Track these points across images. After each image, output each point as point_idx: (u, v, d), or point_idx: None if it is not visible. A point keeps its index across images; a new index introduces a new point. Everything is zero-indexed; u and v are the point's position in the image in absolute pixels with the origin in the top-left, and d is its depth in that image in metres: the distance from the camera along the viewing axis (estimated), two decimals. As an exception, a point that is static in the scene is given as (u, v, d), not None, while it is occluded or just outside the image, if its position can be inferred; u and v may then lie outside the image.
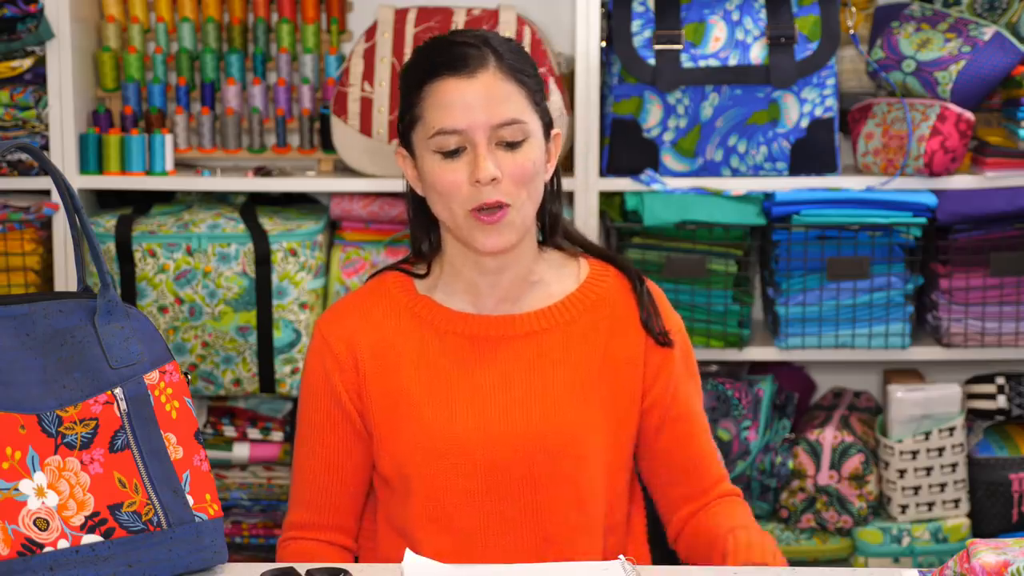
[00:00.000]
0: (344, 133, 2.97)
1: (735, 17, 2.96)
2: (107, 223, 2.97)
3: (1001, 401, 3.14)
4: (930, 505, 3.09)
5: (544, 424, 2.04)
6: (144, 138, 3.01)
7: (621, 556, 1.83)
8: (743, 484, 3.05)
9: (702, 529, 2.10)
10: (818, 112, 2.98)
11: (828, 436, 3.08)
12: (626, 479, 2.13)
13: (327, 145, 3.07)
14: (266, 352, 2.96)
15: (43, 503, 1.65)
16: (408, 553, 1.82)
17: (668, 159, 2.99)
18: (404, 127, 2.07)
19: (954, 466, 3.09)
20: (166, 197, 3.15)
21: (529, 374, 2.06)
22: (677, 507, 2.14)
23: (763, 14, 2.96)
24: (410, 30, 2.94)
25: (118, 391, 1.72)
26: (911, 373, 3.24)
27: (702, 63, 2.94)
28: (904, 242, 3.00)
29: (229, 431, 3.11)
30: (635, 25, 2.96)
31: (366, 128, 2.96)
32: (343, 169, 3.08)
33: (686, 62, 2.94)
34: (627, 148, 2.99)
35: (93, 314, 1.73)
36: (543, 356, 2.07)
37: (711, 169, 3.00)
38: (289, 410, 3.16)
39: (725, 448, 3.02)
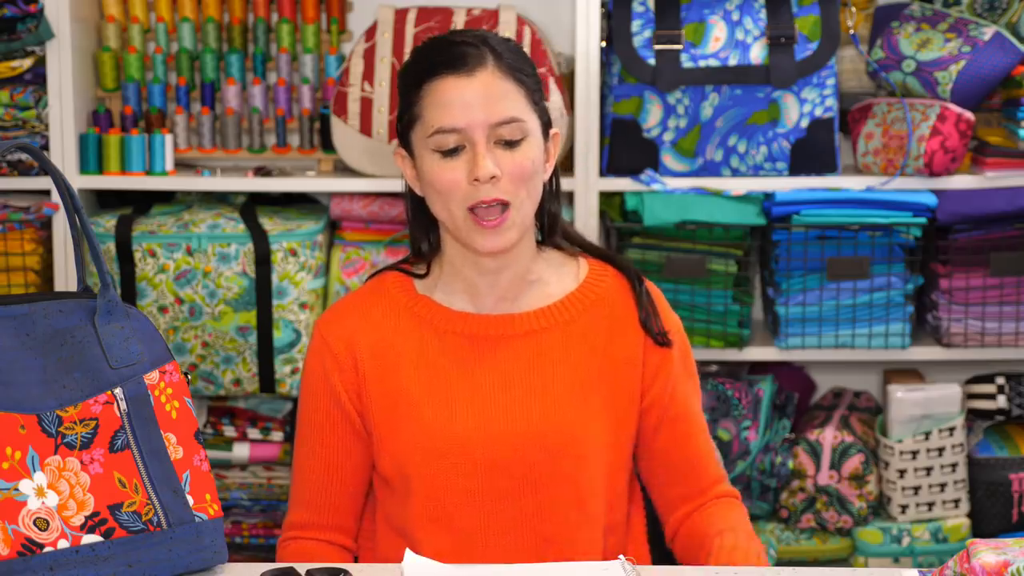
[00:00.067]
0: (344, 133, 2.97)
1: (735, 17, 2.96)
2: (107, 223, 2.97)
3: (1001, 401, 3.14)
4: (930, 505, 3.09)
5: (544, 423, 2.04)
6: (144, 138, 3.01)
7: (621, 556, 1.83)
8: (743, 484, 3.05)
9: (695, 530, 2.10)
10: (818, 112, 2.98)
11: (828, 436, 3.08)
12: (625, 479, 2.13)
13: (327, 145, 3.07)
14: (266, 352, 2.96)
15: (43, 503, 1.65)
16: (408, 553, 1.82)
17: (668, 159, 2.99)
18: (403, 127, 2.07)
19: (954, 466, 3.09)
20: (166, 197, 3.15)
21: (529, 373, 2.06)
22: (675, 507, 2.14)
23: (763, 14, 2.96)
24: (410, 30, 2.94)
25: (118, 391, 1.72)
26: (911, 373, 3.24)
27: (702, 63, 2.94)
28: (904, 242, 3.00)
29: (229, 431, 3.11)
30: (635, 25, 2.96)
31: (366, 128, 2.96)
32: (343, 169, 3.08)
33: (686, 62, 2.94)
34: (627, 148, 2.99)
35: (93, 314, 1.73)
36: (542, 355, 2.07)
37: (711, 169, 3.00)
38: (289, 410, 3.16)
39: (725, 448, 3.02)
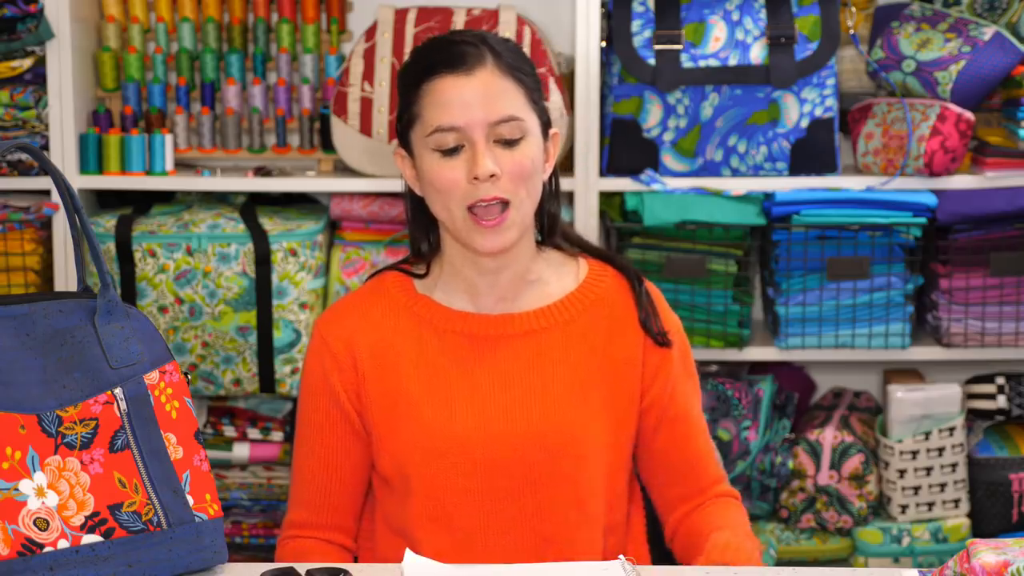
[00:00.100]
0: (344, 133, 2.97)
1: (735, 17, 2.96)
2: (107, 223, 2.97)
3: (1001, 401, 3.14)
4: (930, 505, 3.09)
5: (544, 423, 2.04)
6: (144, 138, 3.01)
7: (621, 556, 1.83)
8: (743, 484, 3.05)
9: (693, 528, 2.10)
10: (818, 112, 2.98)
11: (828, 436, 3.08)
12: (625, 479, 2.13)
13: (327, 145, 3.07)
14: (266, 352, 2.96)
15: (43, 503, 1.65)
16: (408, 553, 1.82)
17: (668, 159, 2.99)
18: (403, 127, 2.07)
19: (954, 466, 3.08)
20: (166, 197, 3.15)
21: (528, 373, 2.06)
22: (674, 507, 2.14)
23: (763, 14, 2.96)
24: (410, 30, 2.94)
25: (118, 391, 1.72)
26: (911, 373, 3.24)
27: (702, 63, 2.94)
28: (904, 242, 3.00)
29: (229, 431, 3.11)
30: (635, 25, 2.96)
31: (366, 128, 2.96)
32: (343, 169, 3.08)
33: (686, 62, 2.94)
34: (627, 148, 2.99)
35: (93, 314, 1.73)
36: (542, 355, 2.07)
37: (711, 169, 3.00)
38: (289, 410, 3.16)
39: (725, 448, 3.02)
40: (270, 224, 2.98)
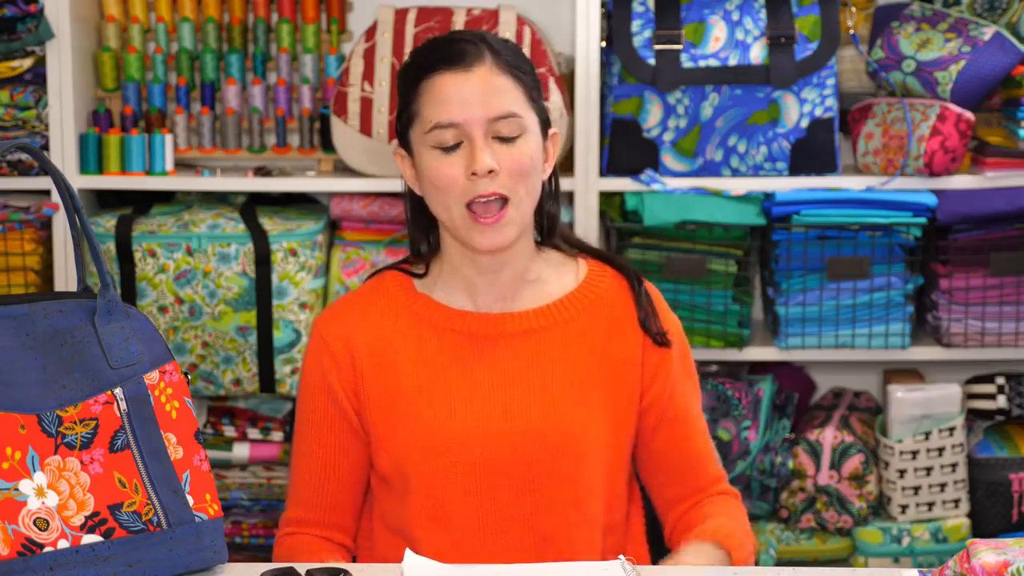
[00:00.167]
0: (344, 133, 2.97)
1: (735, 17, 2.96)
2: (107, 223, 2.97)
3: (1001, 401, 3.14)
4: (930, 505, 3.09)
5: (543, 422, 2.04)
6: (144, 138, 3.01)
7: (621, 556, 1.83)
8: (743, 484, 3.05)
9: (690, 522, 2.10)
10: (818, 112, 2.98)
11: (828, 436, 3.08)
12: (624, 479, 2.13)
13: (327, 145, 3.07)
14: (266, 352, 2.96)
15: (43, 503, 1.65)
16: (408, 553, 1.82)
17: (668, 159, 2.99)
18: (402, 126, 2.08)
19: (954, 466, 3.08)
20: (166, 197, 3.15)
21: (528, 372, 2.06)
22: (673, 507, 2.14)
23: (763, 14, 2.96)
24: (410, 30, 2.94)
25: (118, 391, 1.72)
26: (911, 373, 3.24)
27: (702, 63, 2.94)
28: (904, 242, 3.00)
29: (229, 431, 3.11)
30: (635, 25, 2.96)
31: (366, 128, 2.96)
32: (343, 169, 3.08)
33: (686, 62, 2.94)
34: (627, 148, 2.99)
35: (93, 314, 1.73)
36: (541, 354, 2.07)
37: (711, 169, 3.00)
38: (289, 410, 3.16)
39: (725, 448, 3.02)
40: (270, 224, 2.98)
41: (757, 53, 2.95)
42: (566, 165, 3.01)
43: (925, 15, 3.03)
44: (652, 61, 2.94)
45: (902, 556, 3.10)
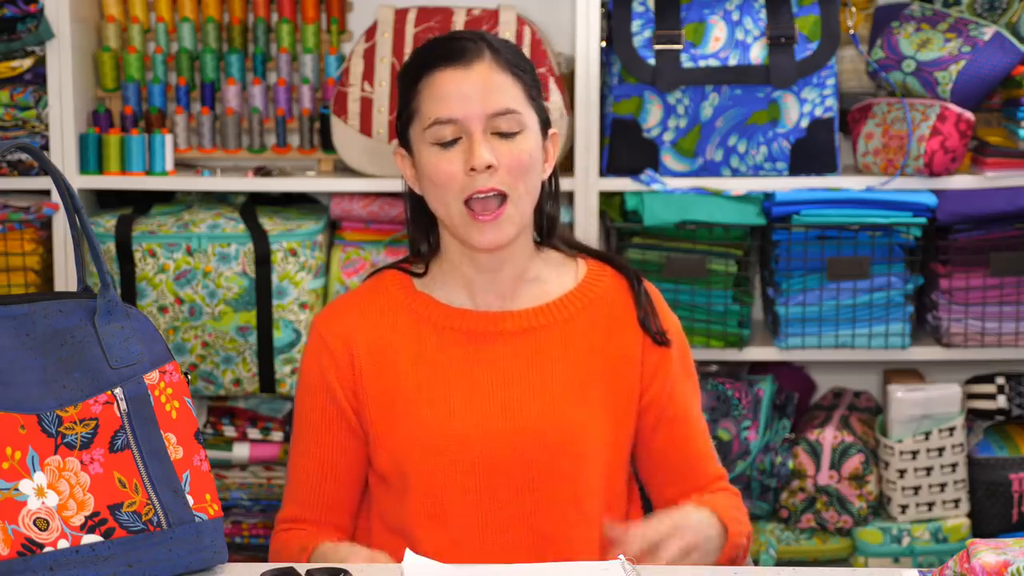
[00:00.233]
0: (344, 133, 2.97)
1: (735, 17, 2.96)
2: (107, 223, 2.97)
3: (1001, 401, 3.14)
4: (930, 505, 3.09)
5: (543, 421, 2.04)
6: (144, 138, 3.01)
7: (621, 556, 1.82)
8: (743, 484, 3.05)
9: None
10: (818, 112, 2.98)
11: (828, 436, 3.08)
12: (624, 478, 2.13)
13: (327, 145, 3.07)
14: (266, 352, 2.96)
15: (43, 503, 1.65)
16: (408, 553, 1.82)
17: (668, 159, 2.99)
18: (402, 124, 2.08)
19: (954, 466, 3.08)
20: (166, 197, 3.15)
21: (527, 371, 2.06)
22: (672, 506, 2.14)
23: (763, 14, 2.96)
24: (410, 30, 2.94)
25: (118, 391, 1.72)
26: (911, 373, 3.24)
27: (702, 63, 2.94)
28: (904, 242, 3.00)
29: (229, 431, 3.11)
30: (635, 25, 2.96)
31: (366, 128, 2.96)
32: (343, 169, 3.08)
33: (686, 62, 2.94)
34: (627, 148, 2.99)
35: (93, 314, 1.73)
36: (541, 353, 2.07)
37: (711, 169, 3.00)
38: (289, 410, 3.16)
39: (725, 448, 3.02)
40: (270, 224, 2.98)
41: (757, 53, 2.95)
42: (566, 165, 3.01)
43: (925, 15, 3.03)
44: (652, 61, 2.94)
45: (902, 556, 3.10)
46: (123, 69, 3.11)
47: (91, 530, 1.67)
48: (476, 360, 2.07)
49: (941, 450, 3.07)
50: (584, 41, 2.96)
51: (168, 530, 1.71)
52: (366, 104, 2.95)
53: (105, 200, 3.15)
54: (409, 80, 2.06)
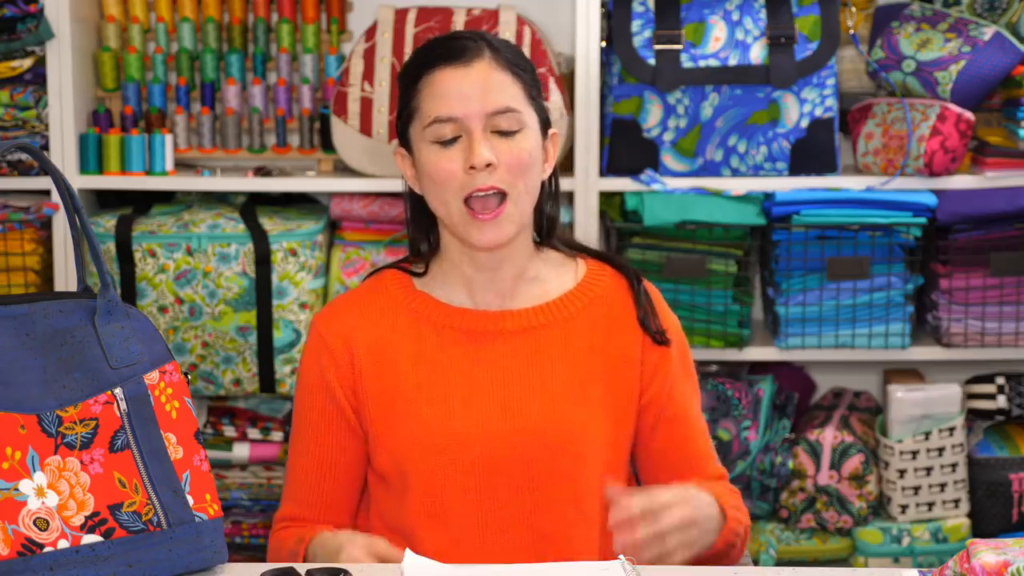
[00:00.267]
0: (344, 133, 2.97)
1: (735, 17, 2.96)
2: (107, 223, 2.97)
3: (1001, 401, 3.14)
4: (930, 505, 3.09)
5: (542, 420, 2.04)
6: (144, 138, 3.01)
7: (621, 556, 1.82)
8: (743, 484, 3.05)
9: None
10: (818, 112, 2.98)
11: (828, 436, 3.08)
12: (624, 478, 2.13)
13: (327, 145, 3.07)
14: (266, 352, 2.96)
15: (43, 503, 1.65)
16: (408, 553, 1.81)
17: (668, 159, 2.99)
18: (402, 124, 2.08)
19: (954, 466, 3.08)
20: (166, 197, 3.15)
21: (527, 370, 2.06)
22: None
23: (763, 14, 2.96)
24: (410, 30, 2.94)
25: (118, 391, 1.72)
26: (911, 373, 3.24)
27: (702, 63, 2.94)
28: (904, 242, 3.00)
29: (229, 431, 3.11)
30: (635, 25, 2.96)
31: (366, 128, 2.96)
32: (343, 169, 3.08)
33: (686, 62, 2.94)
34: (627, 148, 2.99)
35: (93, 314, 1.73)
36: (541, 352, 2.07)
37: (711, 169, 3.00)
38: (289, 410, 3.16)
39: (725, 448, 3.02)
40: (270, 224, 2.98)
41: (757, 53, 2.95)
42: (566, 165, 3.01)
43: (925, 15, 3.03)
44: (652, 61, 2.94)
45: (902, 556, 3.10)
46: (123, 69, 3.11)
47: (91, 530, 1.67)
48: (476, 359, 2.07)
49: (941, 450, 3.07)
50: (584, 41, 2.96)
51: (168, 530, 1.71)
52: (366, 104, 2.95)
53: (105, 200, 3.15)
54: (409, 79, 2.06)
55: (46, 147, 2.98)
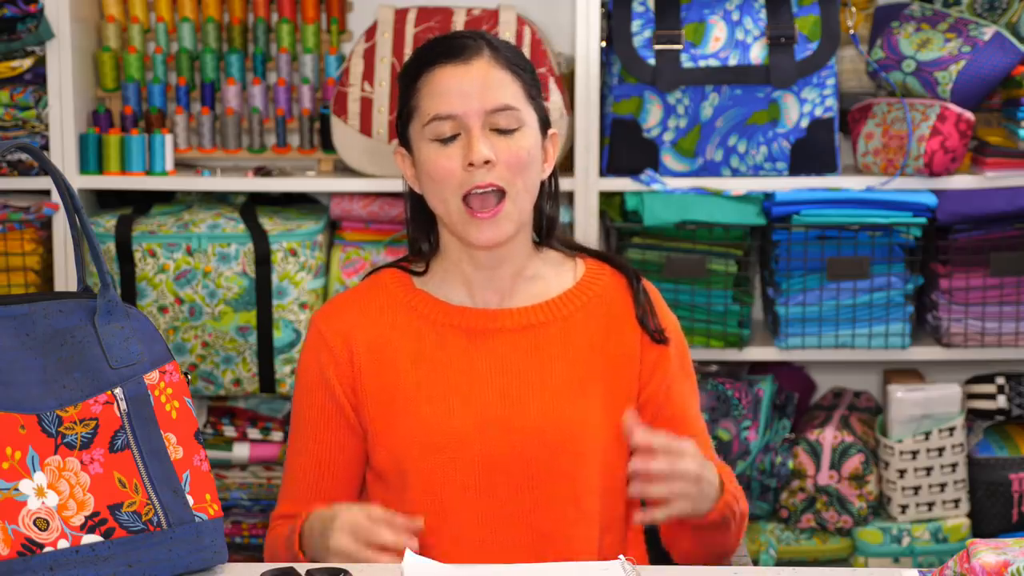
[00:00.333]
0: (344, 133, 2.97)
1: (735, 17, 2.96)
2: (107, 223, 2.97)
3: (1001, 401, 3.14)
4: (930, 505, 3.09)
5: (542, 419, 2.04)
6: (144, 138, 3.01)
7: (621, 556, 1.82)
8: (743, 484, 3.04)
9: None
10: (818, 112, 2.98)
11: (828, 436, 3.08)
12: (623, 477, 2.12)
13: (327, 145, 3.07)
14: (266, 352, 2.96)
15: (43, 503, 1.65)
16: (408, 553, 1.81)
17: (668, 159, 2.99)
18: (402, 123, 2.08)
19: (954, 466, 3.09)
20: (166, 197, 3.15)
21: (526, 368, 2.06)
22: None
23: (763, 14, 2.96)
24: (410, 30, 2.94)
25: (118, 391, 1.72)
26: (911, 373, 3.24)
27: (702, 63, 2.94)
28: (904, 242, 3.00)
29: (229, 431, 3.11)
30: (635, 25, 2.96)
31: (366, 128, 2.96)
32: (343, 169, 3.08)
33: (686, 62, 2.94)
34: (627, 148, 2.99)
35: (93, 314, 1.73)
36: (540, 350, 2.07)
37: (711, 169, 3.00)
38: (289, 410, 3.16)
39: (725, 448, 3.02)
40: (270, 224, 2.98)
41: (757, 53, 2.95)
42: (566, 165, 3.01)
43: (925, 15, 3.03)
44: (652, 61, 2.94)
45: (902, 556, 3.10)
46: (123, 69, 3.11)
47: (91, 530, 1.67)
48: (475, 357, 2.07)
49: (941, 450, 3.07)
50: (584, 41, 2.96)
51: (168, 530, 1.71)
52: (366, 104, 2.95)
53: (105, 200, 3.15)
54: (409, 78, 2.07)
55: (46, 147, 2.98)
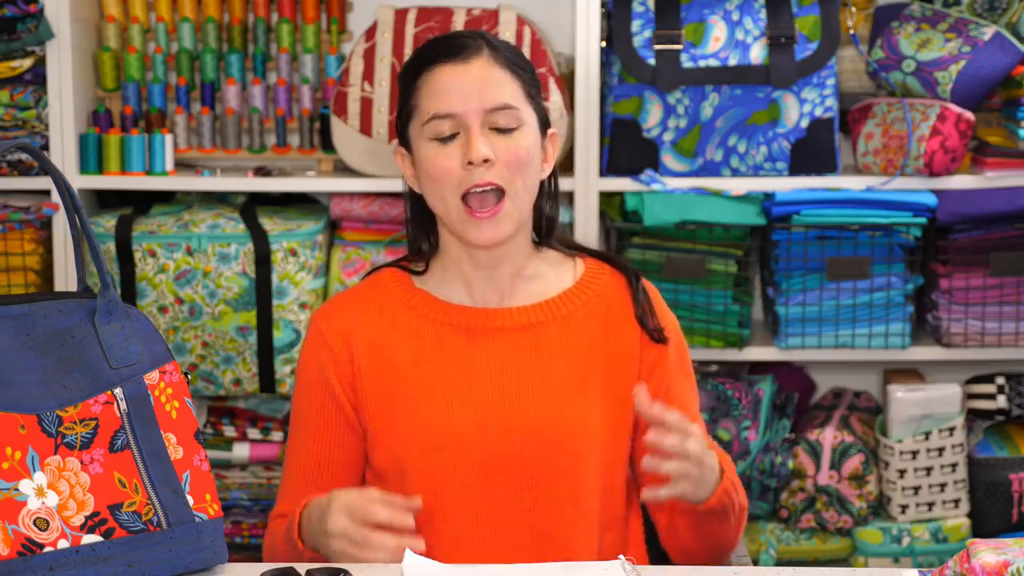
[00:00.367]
0: (344, 133, 2.97)
1: (735, 17, 2.96)
2: (107, 223, 2.97)
3: (1001, 401, 3.14)
4: (930, 505, 3.09)
5: (542, 418, 2.04)
6: (144, 138, 3.01)
7: (621, 556, 1.82)
8: (743, 484, 3.05)
9: (685, 510, 2.07)
10: (818, 112, 2.98)
11: (828, 436, 3.08)
12: (623, 476, 2.13)
13: (327, 145, 3.07)
14: (266, 352, 2.96)
15: (43, 503, 1.65)
16: (408, 553, 1.81)
17: (668, 159, 2.99)
18: (402, 123, 2.09)
19: (954, 466, 3.09)
20: (166, 197, 3.15)
21: (526, 368, 2.06)
22: (670, 507, 2.12)
23: (763, 14, 2.96)
24: (410, 30, 2.94)
25: (118, 391, 1.72)
26: (911, 373, 3.24)
27: (702, 63, 2.94)
28: (904, 242, 3.00)
29: (229, 431, 3.11)
30: (635, 25, 2.96)
31: (366, 128, 2.96)
32: (343, 169, 3.08)
33: (686, 62, 2.94)
34: (627, 148, 2.99)
35: (93, 314, 1.73)
36: (540, 349, 2.07)
37: (711, 169, 3.00)
38: (289, 410, 3.16)
39: (725, 448, 3.02)
40: (270, 224, 2.98)
41: (757, 53, 2.95)
42: (566, 165, 3.01)
43: (925, 15, 3.03)
44: (652, 61, 2.94)
45: (902, 556, 3.10)
46: (123, 69, 3.11)
47: (91, 530, 1.67)
48: (474, 357, 2.07)
49: (941, 450, 3.07)
50: (584, 41, 2.96)
51: (168, 530, 1.71)
52: (366, 104, 2.95)
53: (105, 200, 3.15)
54: (408, 78, 2.07)
55: (46, 147, 2.98)
